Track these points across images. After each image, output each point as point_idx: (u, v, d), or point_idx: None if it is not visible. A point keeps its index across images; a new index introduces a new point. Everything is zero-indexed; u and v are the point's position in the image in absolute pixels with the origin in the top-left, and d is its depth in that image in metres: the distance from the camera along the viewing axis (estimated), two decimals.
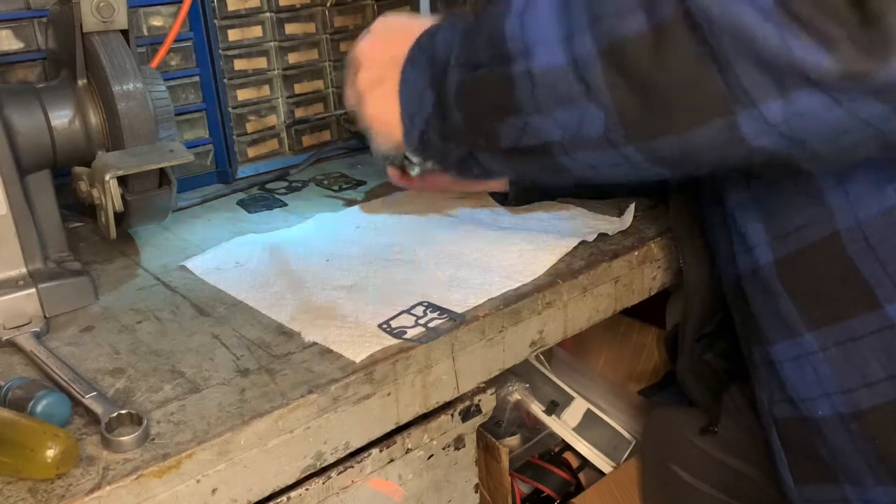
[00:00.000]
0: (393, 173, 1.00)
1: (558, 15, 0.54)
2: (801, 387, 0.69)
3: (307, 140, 1.23)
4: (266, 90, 1.17)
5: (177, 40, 1.04)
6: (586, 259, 0.83)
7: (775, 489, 0.77)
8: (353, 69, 0.74)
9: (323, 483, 0.67)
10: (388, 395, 0.67)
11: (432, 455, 0.75)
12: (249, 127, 1.17)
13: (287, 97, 1.20)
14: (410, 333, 0.70)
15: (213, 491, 0.59)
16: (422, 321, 0.71)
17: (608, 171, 0.59)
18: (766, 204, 0.68)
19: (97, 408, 0.60)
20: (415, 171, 0.97)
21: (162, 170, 0.84)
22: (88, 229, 0.98)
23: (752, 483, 0.87)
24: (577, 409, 1.10)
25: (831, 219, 0.63)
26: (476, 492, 0.81)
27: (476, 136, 0.63)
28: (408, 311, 0.73)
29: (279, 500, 0.64)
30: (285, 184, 1.13)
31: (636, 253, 0.86)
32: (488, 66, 0.59)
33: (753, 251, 0.69)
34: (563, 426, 1.09)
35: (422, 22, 0.70)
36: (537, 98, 0.56)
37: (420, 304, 0.74)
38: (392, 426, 0.69)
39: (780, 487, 0.75)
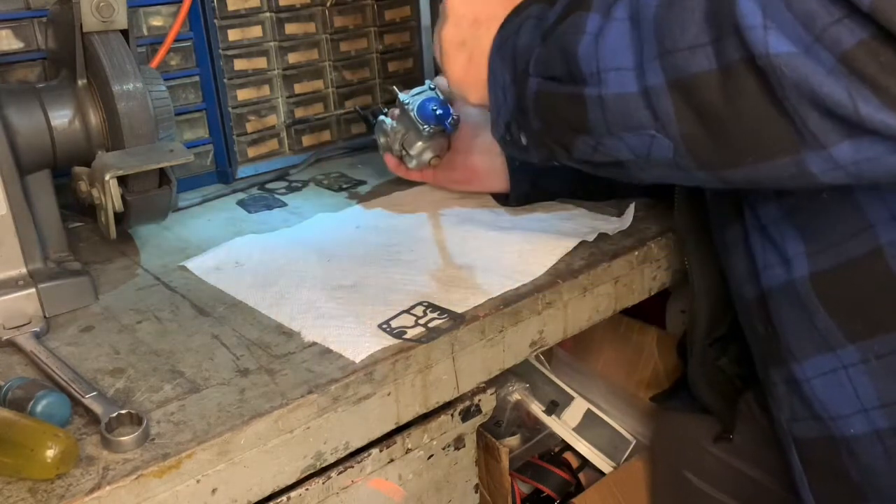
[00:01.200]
0: (390, 161, 1.00)
1: (630, 43, 0.54)
2: (831, 404, 0.67)
3: (307, 140, 1.23)
4: (266, 90, 1.17)
5: (177, 40, 1.04)
6: (586, 259, 0.83)
7: (792, 498, 0.76)
8: (441, 20, 0.74)
9: (323, 483, 0.67)
10: (388, 395, 0.67)
11: (432, 455, 0.75)
12: (249, 127, 1.17)
13: (287, 97, 1.20)
14: (410, 333, 0.70)
15: (213, 491, 0.59)
16: (422, 321, 0.71)
17: (682, 183, 0.62)
18: (803, 217, 0.67)
19: (97, 408, 0.60)
20: (412, 164, 0.98)
21: (162, 170, 0.84)
22: (88, 229, 0.98)
23: (769, 492, 0.86)
24: (577, 409, 1.10)
25: (872, 232, 0.62)
26: (476, 492, 0.81)
27: (552, 144, 0.63)
28: (408, 311, 0.73)
29: (279, 500, 0.64)
30: (285, 184, 1.13)
31: (636, 253, 0.86)
32: (563, 83, 0.60)
33: (790, 263, 0.68)
34: (563, 426, 1.09)
35: None
36: (608, 122, 0.57)
37: (420, 304, 0.74)
38: (392, 426, 0.69)
39: None
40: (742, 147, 0.52)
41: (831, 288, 0.65)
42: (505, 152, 0.70)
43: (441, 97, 0.93)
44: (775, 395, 0.73)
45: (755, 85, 0.48)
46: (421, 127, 0.94)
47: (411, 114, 0.94)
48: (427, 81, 0.98)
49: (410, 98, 0.96)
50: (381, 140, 0.99)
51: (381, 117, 1.00)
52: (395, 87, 1.01)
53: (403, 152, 0.97)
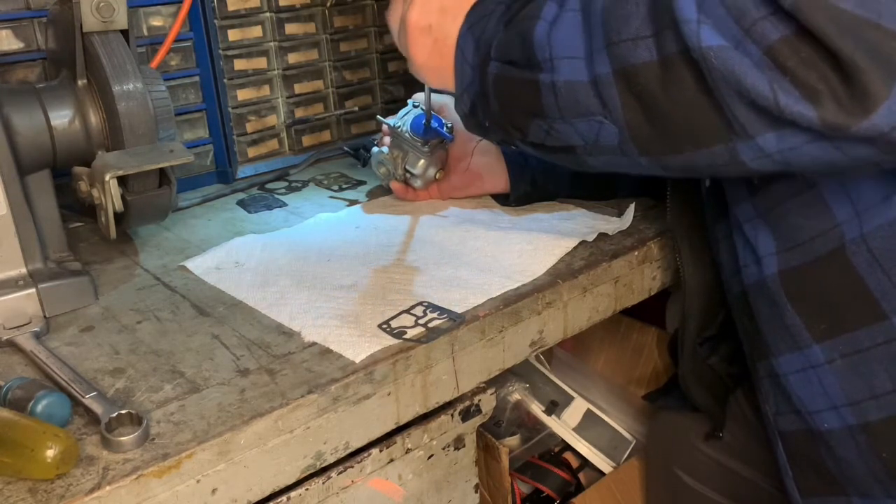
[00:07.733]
0: (397, 187, 1.00)
1: (581, 33, 0.58)
2: (807, 399, 0.68)
3: (307, 140, 1.23)
4: (266, 90, 1.17)
5: (177, 40, 1.04)
6: (586, 259, 0.83)
7: (781, 495, 0.76)
8: (403, 3, 0.75)
9: (323, 483, 0.67)
10: (388, 395, 0.67)
11: (432, 455, 0.75)
12: (249, 127, 1.17)
13: (287, 97, 1.20)
14: (410, 333, 0.70)
15: (213, 491, 0.59)
16: (422, 321, 0.71)
17: (626, 170, 0.63)
18: (775, 215, 0.68)
19: (97, 408, 0.60)
20: (417, 184, 0.98)
21: (162, 170, 0.84)
22: (88, 229, 0.98)
23: (758, 488, 0.86)
24: (577, 409, 1.10)
25: (838, 231, 0.63)
26: (476, 492, 0.81)
27: (509, 126, 0.67)
28: (408, 311, 0.73)
29: (279, 500, 0.64)
30: (285, 184, 1.13)
31: (636, 253, 0.86)
32: (520, 67, 0.63)
33: (761, 262, 0.69)
34: (563, 426, 1.09)
35: None
36: (560, 108, 0.60)
37: (420, 304, 0.74)
38: (392, 426, 0.69)
39: (787, 499, 0.75)
40: (679, 135, 0.55)
41: (798, 285, 0.67)
42: (467, 128, 0.74)
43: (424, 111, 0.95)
44: (762, 389, 0.75)
45: (689, 76, 0.52)
46: (419, 145, 0.94)
47: (405, 135, 0.95)
48: (409, 101, 0.99)
49: (399, 120, 0.97)
50: (381, 171, 1.00)
51: (374, 149, 1.01)
52: (378, 116, 1.02)
53: (408, 174, 0.97)
